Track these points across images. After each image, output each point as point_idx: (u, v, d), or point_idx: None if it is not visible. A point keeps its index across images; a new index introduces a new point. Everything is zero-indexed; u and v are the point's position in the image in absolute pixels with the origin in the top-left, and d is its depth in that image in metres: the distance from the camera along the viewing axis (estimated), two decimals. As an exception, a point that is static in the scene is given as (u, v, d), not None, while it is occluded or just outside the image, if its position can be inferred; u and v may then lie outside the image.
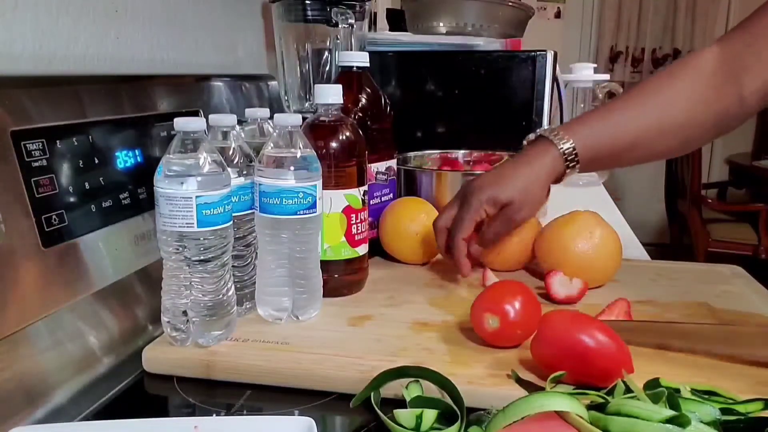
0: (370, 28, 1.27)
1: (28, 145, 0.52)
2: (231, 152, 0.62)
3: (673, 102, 0.69)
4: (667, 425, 0.37)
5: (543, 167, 0.69)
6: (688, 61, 0.71)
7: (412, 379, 0.50)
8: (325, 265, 0.68)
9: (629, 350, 0.51)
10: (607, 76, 1.39)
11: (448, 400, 0.47)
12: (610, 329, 0.51)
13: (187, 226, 0.54)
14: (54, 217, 0.54)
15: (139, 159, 0.66)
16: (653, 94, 0.70)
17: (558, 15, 3.69)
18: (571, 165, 0.69)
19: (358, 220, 0.71)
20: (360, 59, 0.79)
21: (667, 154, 0.75)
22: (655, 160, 0.75)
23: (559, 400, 0.39)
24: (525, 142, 0.75)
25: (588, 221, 0.74)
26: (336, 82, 0.79)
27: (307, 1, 0.97)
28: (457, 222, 0.71)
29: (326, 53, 1.00)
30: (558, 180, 0.71)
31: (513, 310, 0.56)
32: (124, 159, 0.64)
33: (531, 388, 0.49)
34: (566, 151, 0.69)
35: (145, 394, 0.55)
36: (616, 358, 0.49)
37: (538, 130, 0.72)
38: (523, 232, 0.78)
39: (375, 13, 1.53)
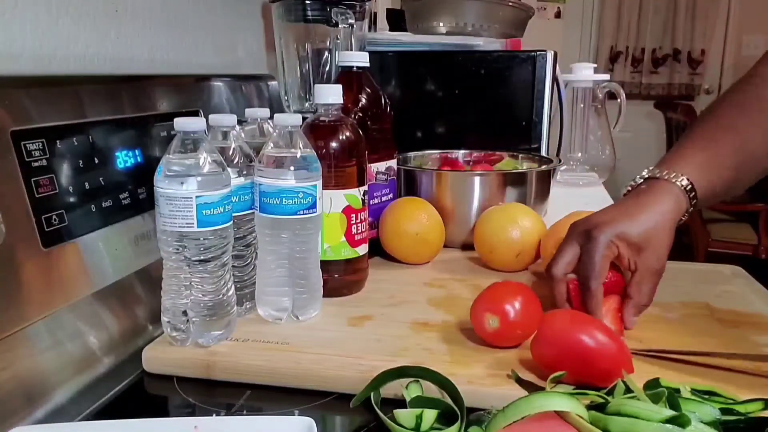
0: (370, 28, 1.27)
1: (28, 145, 0.52)
2: (231, 152, 0.62)
3: (752, 135, 0.65)
4: (667, 425, 0.37)
5: (668, 205, 0.61)
6: (750, 83, 0.68)
7: (412, 379, 0.50)
8: (325, 265, 0.68)
9: (629, 351, 0.51)
10: (607, 76, 1.39)
11: (448, 400, 0.47)
12: (609, 329, 0.51)
13: (187, 226, 0.54)
14: (54, 217, 0.54)
15: (139, 159, 0.66)
16: (736, 114, 0.66)
17: (558, 15, 3.69)
18: (693, 201, 0.62)
19: (358, 220, 0.71)
20: (360, 59, 0.79)
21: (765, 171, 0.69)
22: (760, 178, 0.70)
23: (559, 400, 0.39)
24: (629, 189, 0.66)
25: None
26: (336, 82, 0.79)
27: (307, 1, 0.97)
28: (587, 265, 0.59)
29: (326, 53, 1.00)
30: (680, 221, 0.63)
31: (513, 310, 0.56)
32: (124, 159, 0.64)
33: (531, 388, 0.49)
34: (687, 188, 0.62)
35: (145, 394, 0.55)
36: (616, 358, 0.49)
37: (638, 177, 0.65)
38: (528, 233, 0.78)
39: (375, 13, 1.54)
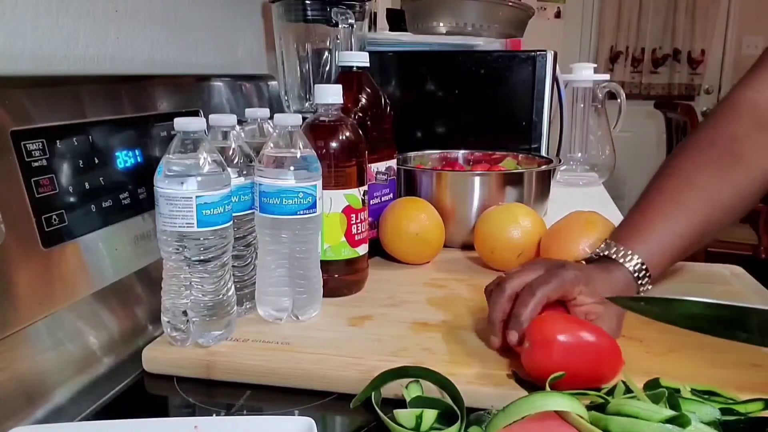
0: (370, 28, 1.27)
1: (28, 145, 0.52)
2: (231, 152, 0.62)
3: (719, 192, 0.64)
4: (667, 425, 0.37)
5: (612, 285, 0.59)
6: (716, 141, 0.66)
7: (412, 379, 0.50)
8: (325, 265, 0.68)
9: (617, 345, 0.51)
10: (607, 76, 1.39)
11: (448, 400, 0.47)
12: (596, 328, 0.51)
13: (187, 226, 0.54)
14: (54, 217, 0.54)
15: (139, 159, 0.66)
16: (698, 187, 0.64)
17: (558, 15, 3.69)
18: (643, 283, 0.60)
19: (358, 220, 0.71)
20: (360, 59, 0.79)
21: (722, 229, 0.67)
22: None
23: (559, 400, 0.39)
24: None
25: (595, 221, 0.74)
26: (336, 82, 0.79)
27: (307, 1, 0.97)
28: (542, 282, 0.56)
29: (326, 53, 1.00)
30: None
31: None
32: (124, 159, 0.64)
33: (531, 388, 0.49)
34: (642, 283, 0.60)
35: (145, 394, 0.55)
36: (607, 355, 0.50)
37: (597, 250, 0.63)
38: (528, 233, 0.78)
39: (375, 13, 1.54)
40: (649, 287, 0.61)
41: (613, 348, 0.50)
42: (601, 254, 0.62)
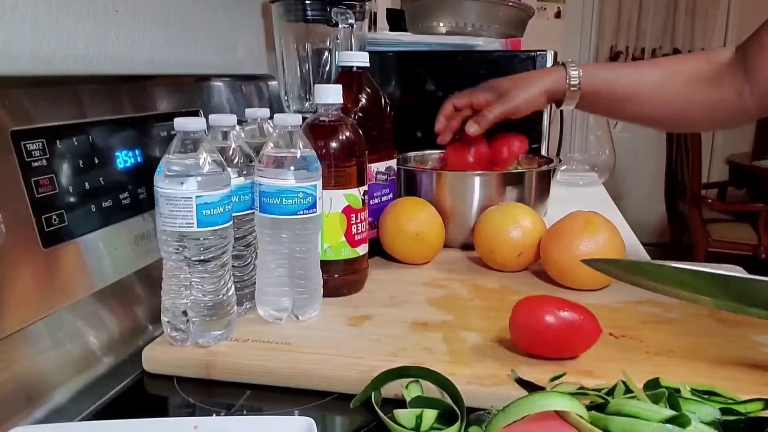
0: (370, 28, 1.27)
1: (28, 145, 0.52)
2: (231, 152, 0.62)
3: (678, 72, 0.76)
4: (667, 425, 0.37)
5: (548, 76, 0.81)
6: (705, 51, 0.81)
7: (412, 379, 0.50)
8: (325, 265, 0.68)
9: (595, 321, 0.54)
10: (607, 76, 1.39)
11: (448, 400, 0.47)
12: (575, 306, 0.54)
13: (187, 226, 0.54)
14: (54, 217, 0.54)
15: (139, 159, 0.66)
16: (664, 62, 0.80)
17: (558, 15, 3.69)
18: (572, 87, 0.79)
19: (358, 220, 0.71)
20: (360, 59, 0.79)
21: (659, 123, 0.83)
22: (647, 125, 0.84)
23: (559, 400, 0.39)
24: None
25: (595, 221, 0.74)
26: (336, 82, 0.79)
27: (307, 1, 0.97)
28: (457, 94, 0.85)
29: (326, 53, 1.00)
30: (558, 100, 0.82)
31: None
32: (124, 159, 0.64)
33: (531, 388, 0.49)
34: (572, 75, 0.79)
35: (145, 394, 0.55)
36: (585, 331, 0.54)
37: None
38: (529, 233, 0.78)
39: (375, 13, 1.53)
40: (574, 101, 0.81)
41: (590, 325, 0.54)
42: (558, 63, 0.82)
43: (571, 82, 0.79)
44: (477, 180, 0.89)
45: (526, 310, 0.55)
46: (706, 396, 0.45)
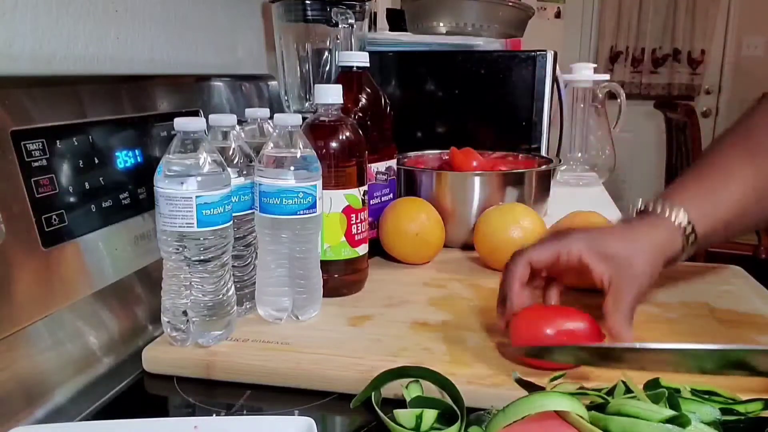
0: (370, 28, 1.27)
1: (28, 145, 0.52)
2: (231, 152, 0.62)
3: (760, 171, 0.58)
4: (667, 425, 0.37)
5: (653, 238, 0.54)
6: (747, 122, 0.62)
7: (412, 379, 0.50)
8: (325, 265, 0.68)
9: (598, 329, 0.53)
10: (607, 76, 1.39)
11: (448, 400, 0.47)
12: (577, 313, 0.53)
13: (187, 226, 0.54)
14: (54, 217, 0.54)
15: (139, 159, 0.66)
16: (748, 167, 0.59)
17: (558, 15, 3.69)
18: (690, 239, 0.55)
19: (358, 220, 0.71)
20: (360, 59, 0.79)
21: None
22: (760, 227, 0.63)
23: (559, 400, 0.39)
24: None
25: (595, 221, 0.74)
26: (336, 82, 0.79)
27: (307, 1, 0.97)
28: (532, 246, 0.55)
29: (326, 53, 1.00)
30: (674, 261, 0.57)
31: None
32: (124, 159, 0.64)
33: (531, 388, 0.49)
34: (682, 224, 0.54)
35: (145, 394, 0.55)
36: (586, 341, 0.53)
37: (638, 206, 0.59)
38: (529, 233, 0.78)
39: (375, 13, 1.54)
40: (693, 249, 0.55)
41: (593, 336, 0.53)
42: (641, 210, 0.56)
43: (687, 234, 0.56)
44: (477, 180, 0.89)
45: (527, 324, 0.54)
46: (706, 396, 0.45)
